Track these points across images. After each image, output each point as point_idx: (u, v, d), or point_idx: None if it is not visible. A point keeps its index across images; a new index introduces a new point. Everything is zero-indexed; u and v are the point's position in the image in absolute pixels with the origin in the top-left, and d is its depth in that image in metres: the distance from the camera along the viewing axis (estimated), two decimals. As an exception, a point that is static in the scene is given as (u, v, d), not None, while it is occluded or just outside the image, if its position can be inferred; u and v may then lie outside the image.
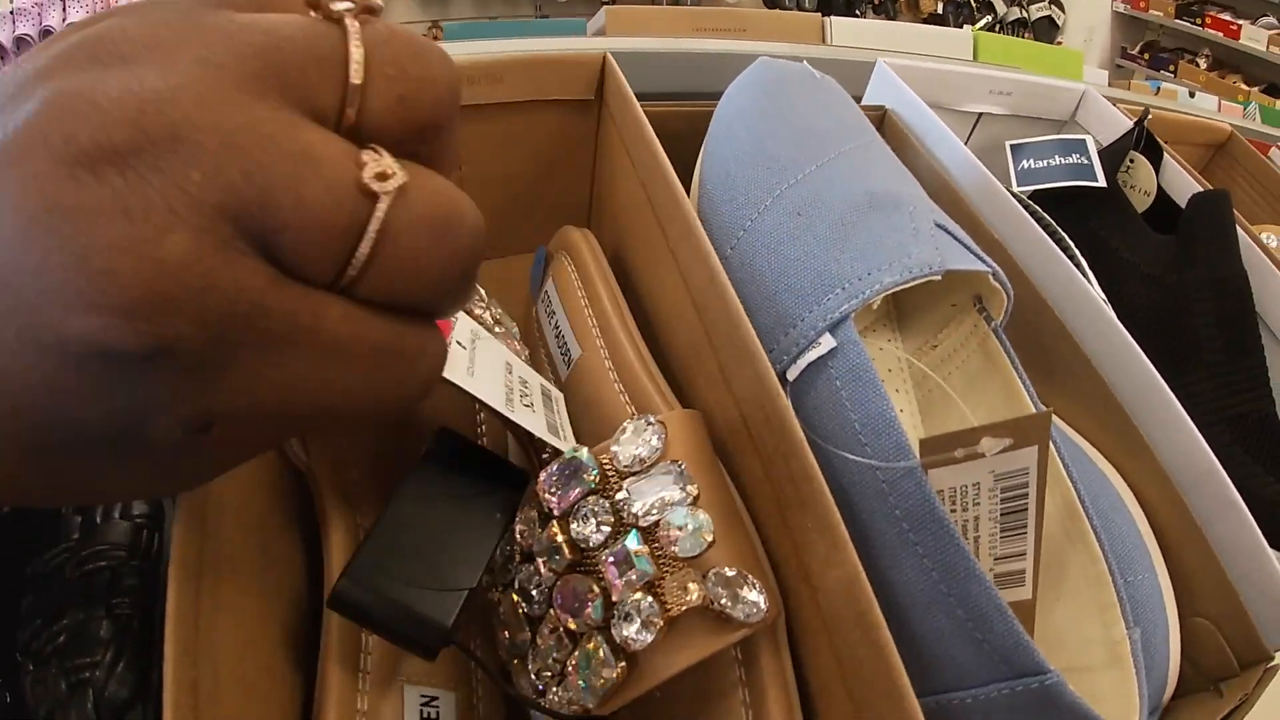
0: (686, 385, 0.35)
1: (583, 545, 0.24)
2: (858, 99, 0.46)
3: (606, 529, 0.24)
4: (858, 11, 2.09)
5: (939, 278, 0.31)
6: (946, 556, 0.26)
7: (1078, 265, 0.45)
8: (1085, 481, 0.34)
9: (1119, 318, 0.50)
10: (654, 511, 0.23)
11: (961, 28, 2.20)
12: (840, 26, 0.83)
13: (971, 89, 0.57)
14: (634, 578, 0.23)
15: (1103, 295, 0.45)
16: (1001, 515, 0.27)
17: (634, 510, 0.24)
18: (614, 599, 0.23)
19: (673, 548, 0.23)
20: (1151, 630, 0.32)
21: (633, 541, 0.23)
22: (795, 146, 0.37)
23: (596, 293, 0.36)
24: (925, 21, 2.24)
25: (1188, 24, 2.49)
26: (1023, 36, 2.37)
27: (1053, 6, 2.42)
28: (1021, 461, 0.26)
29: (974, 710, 0.26)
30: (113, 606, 0.28)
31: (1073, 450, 0.37)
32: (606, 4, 0.91)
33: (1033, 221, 0.41)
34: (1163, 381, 0.36)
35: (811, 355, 0.29)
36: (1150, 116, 0.56)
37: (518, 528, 0.26)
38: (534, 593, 0.25)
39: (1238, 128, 1.04)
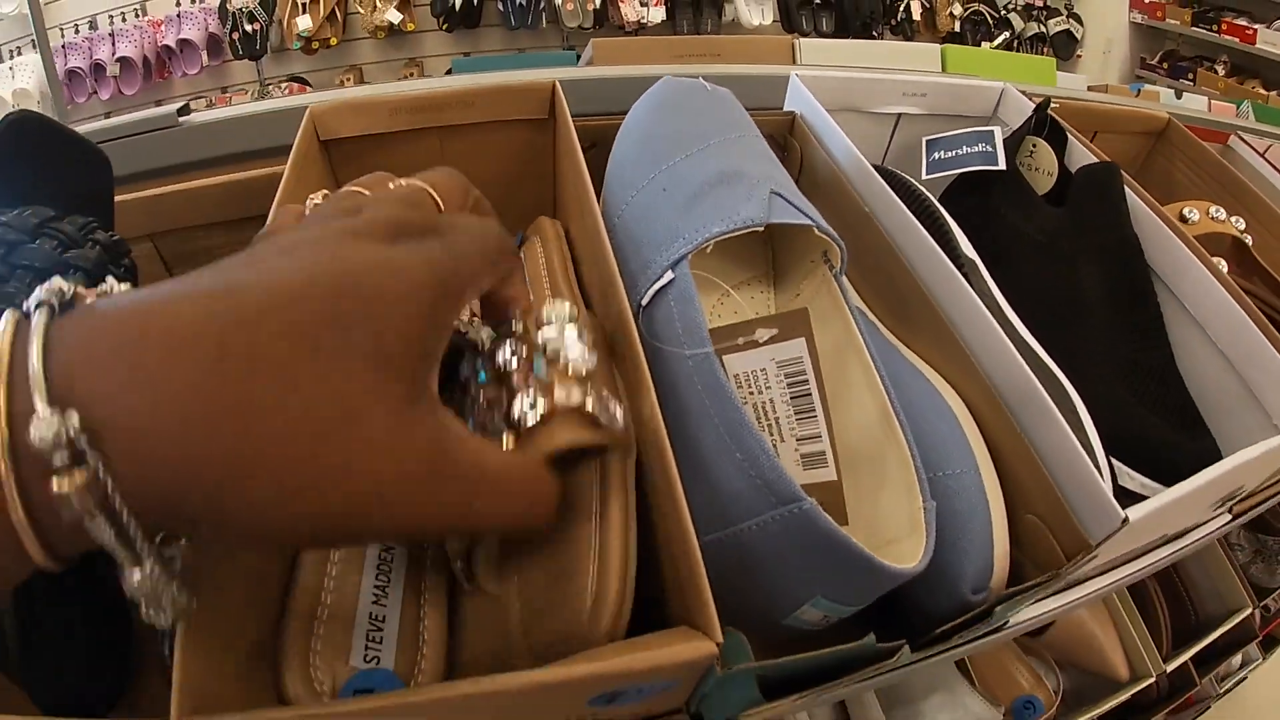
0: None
1: (505, 369, 0.32)
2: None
3: (521, 356, 0.32)
4: (875, 33, 2.19)
5: (761, 229, 0.41)
6: (727, 414, 0.34)
7: (943, 230, 0.54)
8: (913, 395, 0.43)
9: (1018, 284, 0.58)
10: (556, 339, 0.31)
11: (979, 45, 2.28)
12: (809, 47, 0.93)
13: (886, 93, 0.66)
14: (533, 381, 0.30)
15: (973, 257, 0.54)
16: (791, 399, 0.36)
17: (542, 339, 0.32)
18: (517, 393, 0.30)
19: (566, 366, 0.31)
20: (969, 515, 0.40)
21: (539, 361, 0.32)
22: (673, 141, 0.48)
23: (550, 257, 0.48)
24: (943, 40, 2.31)
25: (1204, 31, 2.50)
26: (1042, 51, 2.42)
27: (1070, 20, 2.46)
28: (794, 351, 0.34)
29: (757, 536, 0.34)
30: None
31: (909, 372, 0.45)
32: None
33: (894, 195, 0.50)
34: (990, 317, 0.44)
35: (657, 285, 0.40)
36: (1052, 105, 0.65)
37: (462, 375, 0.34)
38: (469, 419, 0.32)
39: (1233, 126, 1.09)
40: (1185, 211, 0.69)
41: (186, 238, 0.63)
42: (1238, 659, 1.47)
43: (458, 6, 2.17)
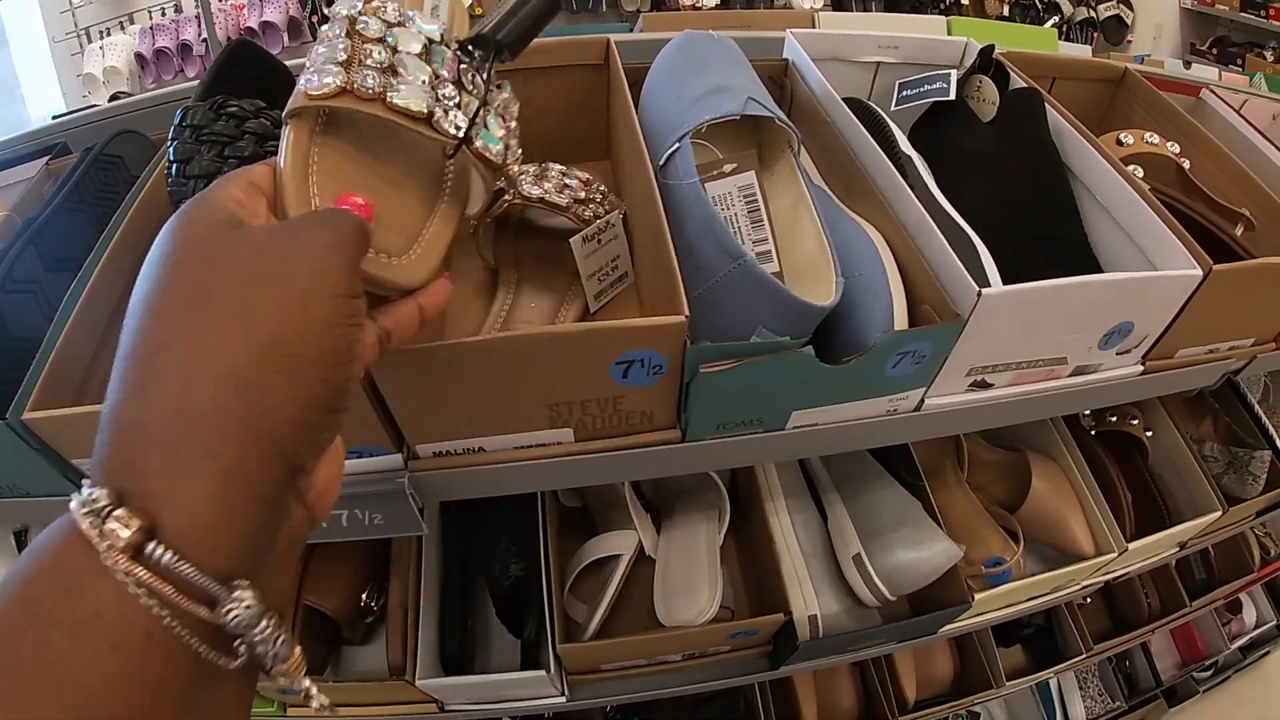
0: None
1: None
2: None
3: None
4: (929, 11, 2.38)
5: (738, 118, 0.62)
6: (704, 210, 0.55)
7: (888, 137, 0.75)
8: (845, 231, 0.64)
9: (968, 184, 0.79)
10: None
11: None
12: (827, 19, 1.15)
13: (864, 46, 0.86)
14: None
15: (910, 153, 0.74)
16: (748, 213, 0.57)
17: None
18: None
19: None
20: (875, 297, 0.58)
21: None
22: (685, 68, 0.70)
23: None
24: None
25: (1253, 17, 2.62)
26: (1091, 37, 2.58)
27: (1120, 5, 2.60)
28: (747, 180, 0.56)
29: (720, 286, 0.53)
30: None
31: (847, 220, 0.64)
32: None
33: (849, 111, 0.72)
34: (903, 183, 0.65)
35: (669, 152, 0.62)
36: (994, 50, 0.86)
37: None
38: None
39: (1241, 90, 1.27)
40: (1121, 136, 0.87)
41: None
42: (1251, 617, 1.60)
43: None
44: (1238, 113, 1.10)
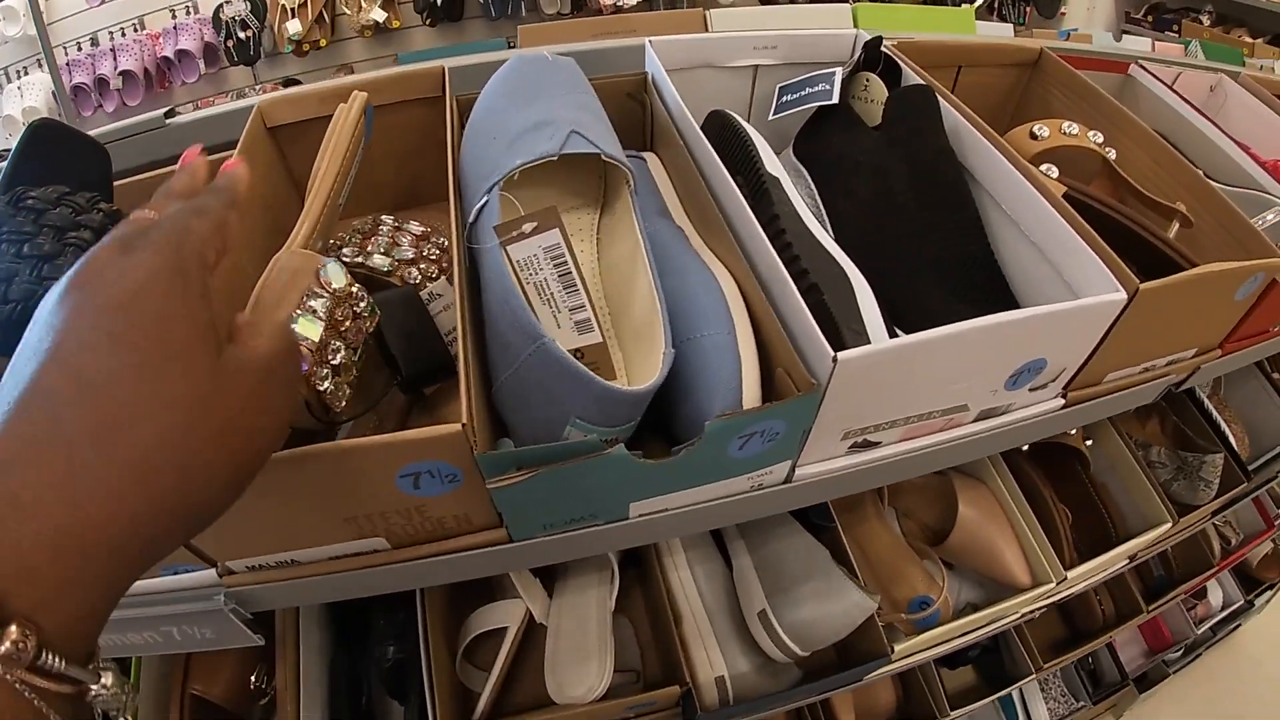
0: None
1: None
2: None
3: None
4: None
5: (555, 159, 0.51)
6: (502, 282, 0.44)
7: (751, 156, 0.62)
8: (691, 280, 0.51)
9: (853, 201, 0.66)
10: None
11: (960, 5, 2.30)
12: (719, 17, 1.01)
13: (737, 49, 0.73)
14: None
15: (775, 174, 0.61)
16: (559, 277, 0.45)
17: None
18: None
19: None
20: (720, 364, 0.46)
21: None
22: (509, 101, 0.57)
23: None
24: (925, 1, 2.33)
25: None
26: (1025, 11, 2.44)
27: None
28: (552, 239, 0.43)
29: (523, 371, 0.43)
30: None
31: (695, 264, 0.52)
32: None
33: (702, 135, 0.59)
34: (756, 222, 0.52)
35: (479, 205, 0.51)
36: (881, 42, 0.72)
37: None
38: None
39: (1173, 62, 1.13)
40: (1035, 129, 0.74)
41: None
42: (1216, 599, 1.49)
43: (439, 2, 2.29)
44: (1170, 88, 0.96)
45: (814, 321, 0.46)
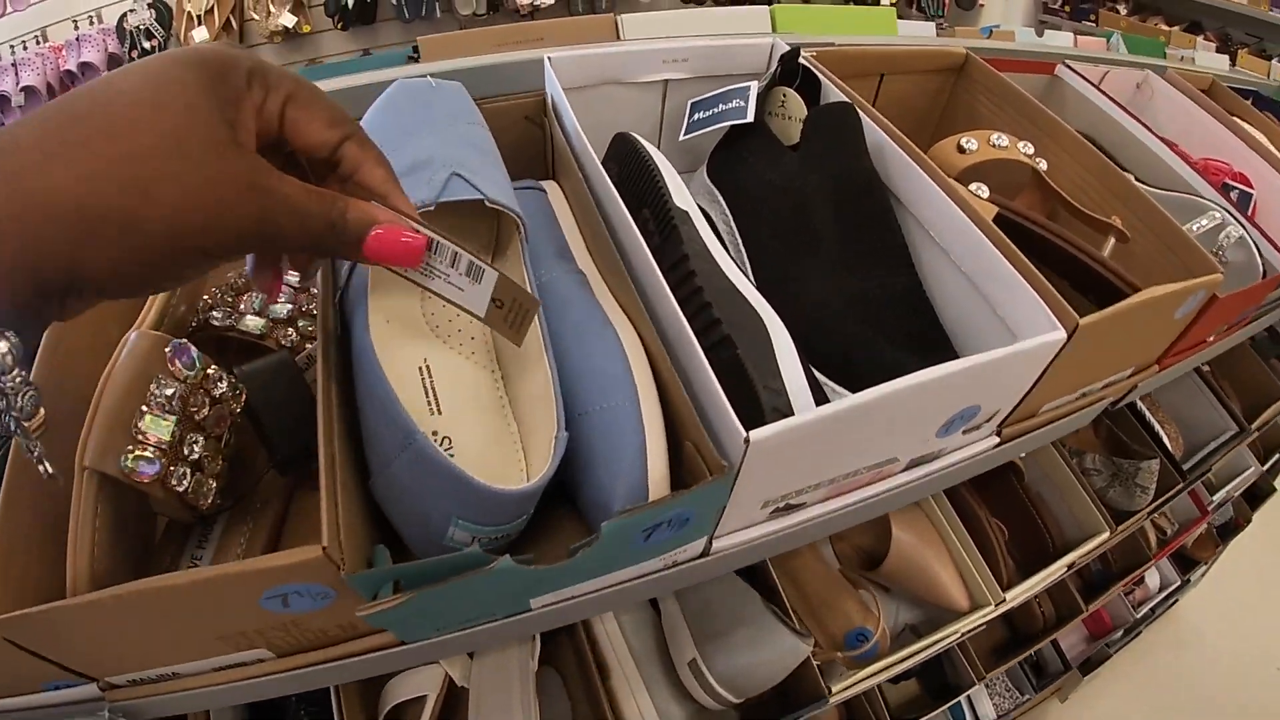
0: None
1: None
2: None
3: None
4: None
5: (432, 208, 0.42)
6: (373, 372, 0.38)
7: (658, 187, 0.53)
8: (591, 342, 0.44)
9: (770, 230, 0.58)
10: None
11: (879, 3, 2.23)
12: (630, 23, 0.92)
13: (645, 63, 0.65)
14: None
15: (685, 208, 0.53)
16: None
17: None
18: None
19: None
20: (621, 442, 0.40)
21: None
22: (384, 138, 0.48)
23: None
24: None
25: None
26: (943, 4, 2.38)
27: None
28: None
29: (398, 469, 0.37)
30: None
31: (597, 321, 0.45)
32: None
33: (598, 164, 0.51)
34: (660, 272, 0.44)
35: (346, 271, 0.45)
36: (799, 54, 0.64)
37: None
38: None
39: (1100, 59, 1.07)
40: (963, 142, 0.67)
41: None
42: (1154, 582, 1.46)
43: (350, 4, 2.15)
44: (1097, 87, 0.90)
45: (723, 395, 0.38)
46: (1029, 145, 0.69)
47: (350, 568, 0.36)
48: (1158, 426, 0.91)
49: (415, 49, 0.87)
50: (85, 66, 2.05)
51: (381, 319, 0.44)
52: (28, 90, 1.99)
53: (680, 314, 0.42)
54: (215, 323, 0.53)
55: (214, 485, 0.46)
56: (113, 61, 2.09)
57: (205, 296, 0.55)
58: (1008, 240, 0.50)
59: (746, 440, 0.36)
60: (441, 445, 0.43)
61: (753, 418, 0.42)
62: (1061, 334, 0.45)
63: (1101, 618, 1.37)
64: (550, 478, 0.38)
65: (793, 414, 0.43)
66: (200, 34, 2.03)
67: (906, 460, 0.50)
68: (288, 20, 2.10)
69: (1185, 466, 0.93)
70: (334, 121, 0.31)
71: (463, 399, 0.45)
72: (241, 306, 0.54)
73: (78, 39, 2.06)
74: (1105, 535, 0.84)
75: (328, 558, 0.35)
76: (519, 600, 0.42)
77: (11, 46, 2.04)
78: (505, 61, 0.80)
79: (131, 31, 2.06)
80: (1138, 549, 1.10)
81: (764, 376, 0.43)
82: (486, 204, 0.43)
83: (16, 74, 1.97)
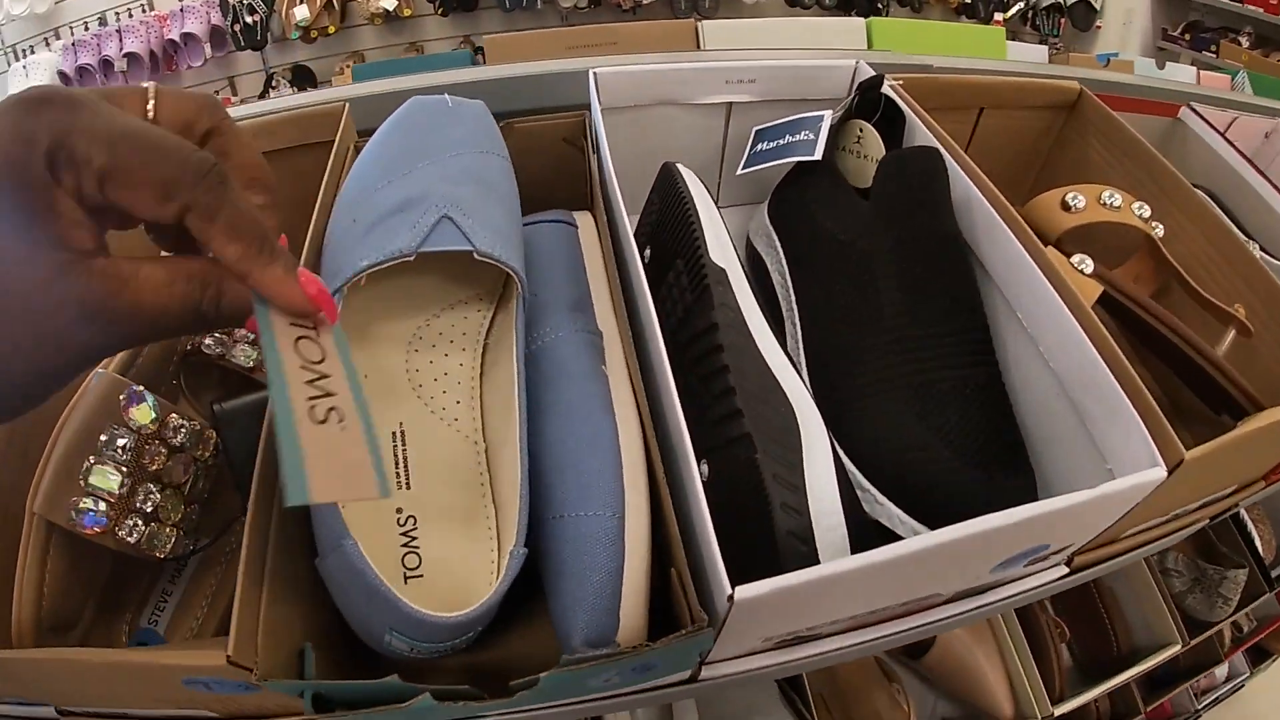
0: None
1: None
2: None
3: None
4: (879, 5, 1.99)
5: (412, 259, 0.36)
6: None
7: (694, 236, 0.44)
8: (580, 431, 0.36)
9: (827, 293, 0.49)
10: None
11: (992, 18, 2.05)
12: (711, 30, 0.82)
13: (705, 82, 0.56)
14: None
15: (722, 265, 0.44)
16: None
17: None
18: None
19: None
20: (592, 562, 0.32)
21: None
22: (384, 168, 0.41)
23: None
24: (956, 11, 2.09)
25: (1229, 1, 2.19)
26: (1058, 23, 2.16)
27: None
28: None
29: (330, 567, 0.31)
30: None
31: (596, 406, 0.37)
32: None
33: (618, 195, 0.43)
34: (663, 352, 0.36)
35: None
36: (881, 83, 0.54)
37: None
38: None
39: (1228, 102, 0.92)
40: (1069, 197, 0.56)
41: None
42: (1221, 672, 1.30)
43: None
44: (1224, 137, 0.76)
45: (711, 531, 0.29)
46: (1145, 207, 0.57)
47: (265, 671, 0.31)
48: (1251, 527, 0.78)
49: (478, 49, 0.81)
50: (188, 37, 2.07)
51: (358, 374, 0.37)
52: (130, 56, 2.03)
53: (679, 411, 0.33)
54: (206, 350, 0.48)
55: (172, 535, 0.42)
56: (215, 34, 2.10)
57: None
58: (1113, 344, 0.39)
59: (731, 599, 0.28)
60: (405, 525, 0.37)
61: (761, 541, 0.34)
62: (1161, 472, 0.35)
63: (1163, 708, 1.23)
64: (497, 602, 0.30)
65: (812, 541, 0.35)
66: (301, 12, 2.02)
67: (951, 594, 0.41)
68: (389, 3, 2.07)
69: (1275, 573, 0.80)
70: (167, 193, 0.23)
71: (437, 473, 0.38)
72: (237, 334, 0.48)
73: (182, 9, 2.08)
74: (1177, 648, 0.72)
75: (233, 665, 0.30)
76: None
77: (117, 13, 2.08)
78: (556, 72, 0.72)
79: (235, 5, 2.06)
80: (1210, 650, 0.97)
81: (783, 491, 0.35)
82: (475, 256, 0.36)
83: (120, 40, 2.01)
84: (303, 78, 2.20)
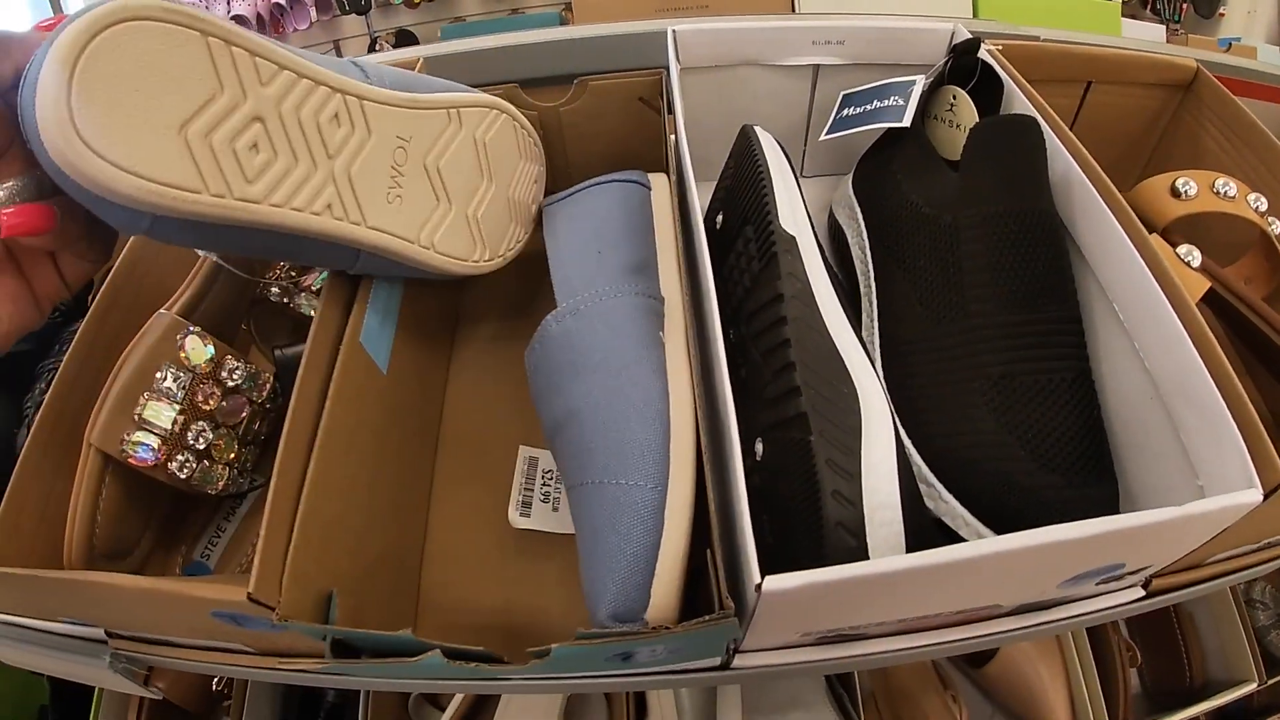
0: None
1: None
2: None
3: None
4: None
5: None
6: None
7: (764, 203, 0.41)
8: (631, 397, 0.34)
9: (901, 266, 0.45)
10: None
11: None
12: (811, -3, 0.78)
13: (790, 42, 0.51)
14: None
15: (792, 233, 0.40)
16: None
17: None
18: None
19: None
20: (628, 535, 0.30)
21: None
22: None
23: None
24: None
25: None
26: (1180, 8, 1.97)
27: None
28: None
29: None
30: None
31: (650, 372, 0.35)
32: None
33: (687, 157, 0.40)
34: (716, 324, 0.33)
35: None
36: (978, 47, 0.49)
37: None
38: None
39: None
40: (1179, 183, 0.49)
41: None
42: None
43: None
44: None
45: (747, 516, 0.27)
46: (1262, 200, 0.50)
47: (287, 611, 0.29)
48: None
49: (568, 6, 0.79)
50: (295, 2, 2.08)
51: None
52: (238, 19, 2.03)
53: (728, 386, 0.31)
54: (272, 297, 0.47)
55: (225, 473, 0.42)
56: (320, 5, 2.10)
57: (270, 274, 0.50)
58: (1217, 347, 0.34)
59: (759, 589, 0.26)
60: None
61: (810, 529, 0.32)
62: (1257, 495, 0.31)
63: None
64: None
65: (862, 534, 0.32)
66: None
67: (1013, 606, 0.37)
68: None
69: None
70: None
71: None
72: (304, 283, 0.48)
73: (289, -27, 2.07)
74: (1252, 686, 0.66)
75: (254, 601, 0.29)
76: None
77: (226, -27, 2.09)
78: (649, 30, 0.69)
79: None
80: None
81: (836, 478, 0.32)
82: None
83: (228, 3, 2.02)
84: (406, 41, 2.21)
